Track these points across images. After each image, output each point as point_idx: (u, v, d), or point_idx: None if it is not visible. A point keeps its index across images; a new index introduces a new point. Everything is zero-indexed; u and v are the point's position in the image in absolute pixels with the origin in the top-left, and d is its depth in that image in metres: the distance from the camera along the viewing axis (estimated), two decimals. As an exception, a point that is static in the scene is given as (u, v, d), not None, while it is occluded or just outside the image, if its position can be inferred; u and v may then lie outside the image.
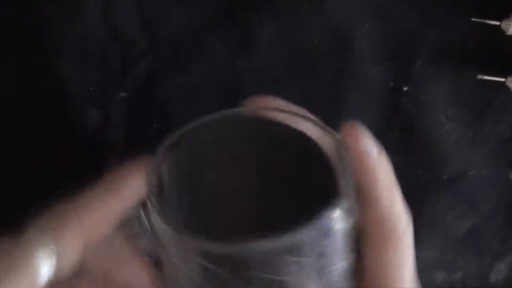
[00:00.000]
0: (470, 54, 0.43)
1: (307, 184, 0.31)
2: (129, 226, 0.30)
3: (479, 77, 0.42)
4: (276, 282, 0.27)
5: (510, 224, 0.46)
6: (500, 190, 0.46)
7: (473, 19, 0.42)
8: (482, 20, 0.41)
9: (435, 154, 0.45)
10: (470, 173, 0.45)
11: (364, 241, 0.31)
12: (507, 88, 0.43)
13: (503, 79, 0.42)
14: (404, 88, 0.43)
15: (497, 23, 0.42)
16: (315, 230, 0.26)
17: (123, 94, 0.42)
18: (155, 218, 0.27)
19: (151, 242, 0.29)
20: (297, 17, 0.42)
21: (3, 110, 0.41)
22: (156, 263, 0.29)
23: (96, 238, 0.29)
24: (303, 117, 0.31)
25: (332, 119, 0.43)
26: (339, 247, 0.28)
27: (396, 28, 0.43)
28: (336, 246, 0.28)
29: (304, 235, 0.26)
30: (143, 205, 0.29)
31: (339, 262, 0.28)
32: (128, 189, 0.29)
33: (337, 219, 0.27)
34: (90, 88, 0.41)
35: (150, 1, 0.41)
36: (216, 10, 0.41)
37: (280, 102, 0.32)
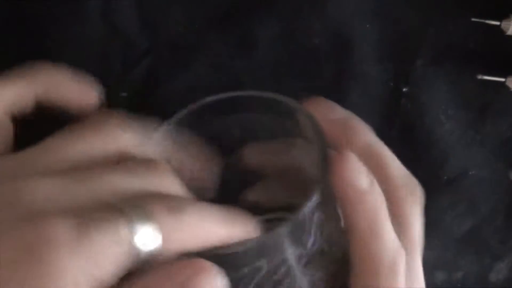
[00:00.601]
0: (470, 54, 0.43)
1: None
2: None
3: (479, 77, 0.42)
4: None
5: (510, 224, 0.46)
6: (500, 190, 0.46)
7: (473, 19, 0.42)
8: (482, 20, 0.41)
9: (435, 154, 0.44)
10: (470, 173, 0.45)
11: (352, 272, 0.30)
12: (507, 88, 0.43)
13: (503, 79, 0.42)
14: (404, 89, 0.43)
15: (497, 23, 0.42)
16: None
17: (123, 94, 0.42)
18: None
19: None
20: (297, 17, 0.42)
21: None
22: None
23: None
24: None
25: (332, 119, 0.43)
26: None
27: (396, 28, 0.43)
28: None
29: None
30: None
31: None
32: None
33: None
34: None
35: (150, 1, 0.41)
36: (216, 10, 0.41)
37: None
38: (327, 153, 0.29)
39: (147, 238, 0.26)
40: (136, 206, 0.26)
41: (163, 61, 0.42)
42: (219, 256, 0.27)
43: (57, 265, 0.24)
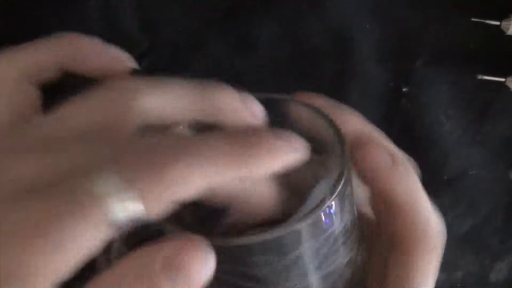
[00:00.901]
0: (470, 54, 0.43)
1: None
2: None
3: (479, 77, 0.42)
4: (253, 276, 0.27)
5: (510, 224, 0.46)
6: (500, 190, 0.46)
7: (473, 19, 0.42)
8: (482, 20, 0.41)
9: (435, 154, 0.45)
10: (470, 173, 0.45)
11: (389, 249, 0.30)
12: (507, 88, 0.43)
13: (503, 79, 0.42)
14: (404, 89, 0.43)
15: (497, 23, 0.42)
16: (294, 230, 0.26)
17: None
18: None
19: None
20: (297, 17, 0.42)
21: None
22: None
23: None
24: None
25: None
26: (327, 247, 0.28)
27: (396, 28, 0.43)
28: (320, 246, 0.28)
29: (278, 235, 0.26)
30: None
31: (326, 263, 0.28)
32: None
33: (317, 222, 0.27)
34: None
35: (150, 1, 0.41)
36: (216, 10, 0.41)
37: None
38: (344, 147, 0.29)
39: (126, 210, 0.24)
40: (109, 178, 0.24)
41: (163, 61, 0.42)
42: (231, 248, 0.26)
43: (20, 252, 0.22)
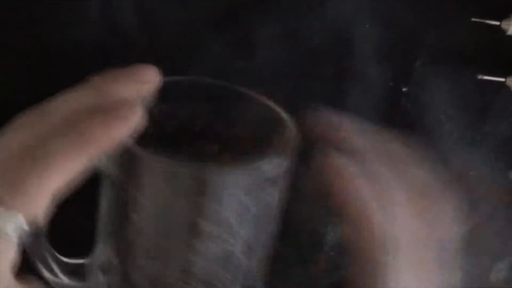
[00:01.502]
0: (470, 54, 0.43)
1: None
2: None
3: (479, 77, 0.42)
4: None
5: (510, 224, 0.46)
6: (500, 190, 0.46)
7: (473, 19, 0.42)
8: (482, 20, 0.41)
9: (435, 154, 0.44)
10: (470, 173, 0.45)
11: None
12: (507, 88, 0.43)
13: (503, 79, 0.42)
14: (404, 89, 0.43)
15: (497, 23, 0.42)
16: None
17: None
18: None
19: None
20: (297, 17, 0.42)
21: (2, 110, 0.41)
22: None
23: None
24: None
25: (332, 119, 0.43)
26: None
27: (396, 28, 0.43)
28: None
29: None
30: None
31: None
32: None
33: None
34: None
35: (150, 1, 0.41)
36: (216, 10, 0.41)
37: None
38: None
39: (8, 222, 0.26)
40: None
41: (163, 61, 0.42)
42: None
43: None
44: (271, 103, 0.34)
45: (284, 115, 0.34)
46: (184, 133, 0.35)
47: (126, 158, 0.30)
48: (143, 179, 0.30)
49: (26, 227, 0.27)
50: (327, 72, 0.43)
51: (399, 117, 0.43)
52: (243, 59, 0.42)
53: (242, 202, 0.30)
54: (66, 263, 0.31)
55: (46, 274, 0.31)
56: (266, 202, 0.31)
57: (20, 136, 0.28)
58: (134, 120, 0.29)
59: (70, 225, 0.33)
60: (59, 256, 0.31)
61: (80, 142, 0.28)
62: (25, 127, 0.29)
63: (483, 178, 0.45)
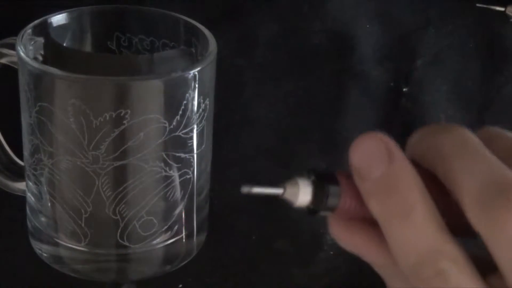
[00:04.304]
0: (470, 54, 0.43)
1: None
2: None
3: (478, 5, 0.41)
4: None
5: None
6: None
7: (478, 5, 0.41)
8: (487, 6, 0.41)
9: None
10: (470, 173, 0.45)
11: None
12: (508, 87, 0.43)
13: (502, 9, 0.41)
14: (404, 89, 0.43)
15: (502, 8, 0.41)
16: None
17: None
18: None
19: None
20: (297, 17, 0.42)
21: (2, 111, 0.41)
22: None
23: None
24: None
25: (332, 119, 0.43)
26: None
27: (396, 28, 0.43)
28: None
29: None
30: None
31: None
32: None
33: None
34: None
35: (150, 1, 0.41)
36: (216, 10, 0.41)
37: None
38: None
39: None
40: None
41: (163, 61, 0.42)
42: None
43: None
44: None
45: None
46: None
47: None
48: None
49: None
50: (327, 72, 0.43)
51: (399, 117, 0.44)
52: (243, 58, 0.42)
53: (163, 109, 0.31)
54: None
55: None
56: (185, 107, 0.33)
57: None
58: None
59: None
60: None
61: None
62: None
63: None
